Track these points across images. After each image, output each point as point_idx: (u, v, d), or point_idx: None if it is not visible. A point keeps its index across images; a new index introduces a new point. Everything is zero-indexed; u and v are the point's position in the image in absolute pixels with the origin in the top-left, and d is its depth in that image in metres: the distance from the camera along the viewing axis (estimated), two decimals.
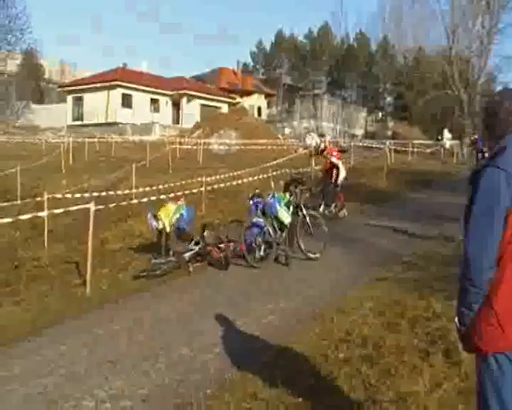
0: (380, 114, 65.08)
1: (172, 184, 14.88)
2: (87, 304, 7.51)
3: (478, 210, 2.74)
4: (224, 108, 51.45)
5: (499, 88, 47.67)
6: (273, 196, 9.97)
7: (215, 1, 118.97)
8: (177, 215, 9.42)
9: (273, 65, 69.64)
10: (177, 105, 49.01)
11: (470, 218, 2.77)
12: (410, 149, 32.02)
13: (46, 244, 10.99)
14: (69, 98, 48.50)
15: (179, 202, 9.86)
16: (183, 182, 14.99)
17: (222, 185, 15.29)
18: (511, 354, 2.75)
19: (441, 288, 6.88)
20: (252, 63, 72.10)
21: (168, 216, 9.30)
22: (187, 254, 9.05)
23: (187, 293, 7.99)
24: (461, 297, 2.83)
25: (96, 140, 32.89)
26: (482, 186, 2.74)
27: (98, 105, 44.78)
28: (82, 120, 46.07)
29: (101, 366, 5.47)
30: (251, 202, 10.17)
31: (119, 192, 14.19)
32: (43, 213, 10.24)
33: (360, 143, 36.95)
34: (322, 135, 18.53)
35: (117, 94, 45.13)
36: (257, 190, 10.85)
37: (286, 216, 9.67)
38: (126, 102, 45.78)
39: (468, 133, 36.00)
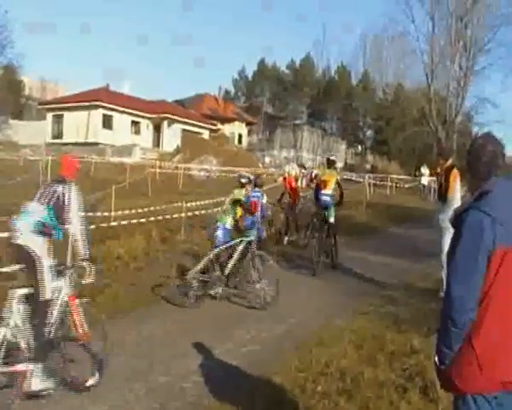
0: (359, 147, 65.98)
1: (152, 208, 14.87)
2: None
3: (461, 252, 2.79)
4: (205, 134, 51.65)
5: (476, 128, 48.96)
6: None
7: (199, 24, 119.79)
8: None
9: (255, 93, 70.32)
10: (157, 128, 49.06)
11: (453, 259, 2.82)
12: (389, 183, 32.47)
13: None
14: (49, 116, 48.22)
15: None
16: (164, 206, 14.97)
17: (203, 212, 15.33)
18: (491, 397, 2.77)
19: (420, 323, 6.98)
20: (233, 90, 72.73)
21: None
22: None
23: (170, 317, 7.96)
24: (441, 336, 2.86)
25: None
26: (466, 228, 2.80)
27: (78, 124, 44.60)
28: (61, 138, 45.76)
29: (79, 391, 5.41)
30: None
31: (99, 214, 14.12)
32: None
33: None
34: (302, 165, 18.71)
35: (98, 114, 45.02)
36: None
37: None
38: (107, 122, 45.68)
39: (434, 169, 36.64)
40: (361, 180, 29.44)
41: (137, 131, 48.09)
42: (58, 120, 47.35)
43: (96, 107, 44.70)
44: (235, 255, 9.08)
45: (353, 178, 31.49)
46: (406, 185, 34.23)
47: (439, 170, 9.39)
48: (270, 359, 6.28)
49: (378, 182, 31.80)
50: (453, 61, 41.34)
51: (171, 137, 47.48)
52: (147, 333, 7.31)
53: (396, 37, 50.04)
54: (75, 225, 5.48)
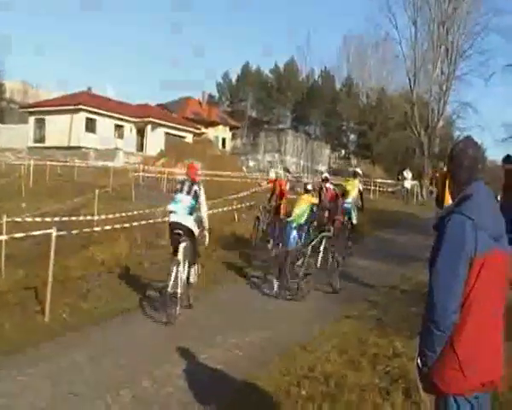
0: (343, 151, 66.31)
1: (136, 213, 14.81)
2: (47, 333, 7.35)
3: (444, 256, 2.83)
4: (189, 138, 51.53)
5: (457, 133, 49.46)
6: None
7: (182, 27, 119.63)
8: None
9: (239, 97, 70.40)
10: (141, 132, 48.84)
11: (436, 263, 2.86)
12: (373, 187, 32.66)
13: (3, 270, 10.71)
14: (31, 119, 47.76)
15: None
16: (147, 211, 14.92)
17: None
18: (471, 398, 2.84)
19: (402, 327, 7.06)
20: (217, 94, 72.73)
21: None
22: None
23: (155, 322, 7.94)
24: (424, 339, 2.90)
25: (57, 163, 32.44)
26: (448, 233, 2.84)
27: (61, 128, 44.24)
28: (43, 143, 45.38)
29: (64, 399, 5.38)
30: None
31: (82, 218, 14.05)
32: (2, 237, 10.01)
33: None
34: (286, 169, 18.80)
35: (81, 118, 44.70)
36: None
37: None
38: (90, 126, 45.37)
39: (428, 175, 37.00)
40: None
41: (121, 135, 47.81)
42: (40, 123, 46.93)
43: (79, 110, 44.38)
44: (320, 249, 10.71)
45: (337, 182, 31.45)
46: (390, 189, 34.44)
47: (437, 175, 9.61)
48: (255, 364, 6.30)
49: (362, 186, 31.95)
50: (435, 66, 41.73)
51: (155, 141, 47.31)
52: (130, 339, 7.28)
53: (379, 42, 50.37)
54: (204, 209, 8.80)
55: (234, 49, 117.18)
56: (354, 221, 13.85)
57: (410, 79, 42.33)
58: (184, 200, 8.46)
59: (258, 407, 5.15)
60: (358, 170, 14.73)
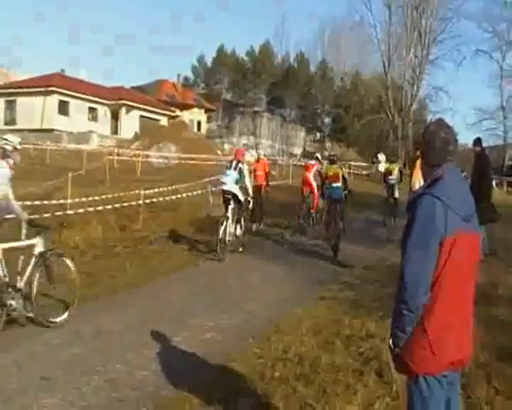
0: (318, 134, 66.49)
1: (110, 196, 14.64)
2: (21, 317, 7.19)
3: (414, 237, 2.84)
4: (164, 121, 51.08)
5: (430, 116, 49.96)
6: None
7: (157, 10, 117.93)
8: None
9: (214, 80, 69.90)
10: (115, 115, 48.25)
11: (407, 244, 2.87)
12: (347, 170, 32.77)
13: None
14: (0, 101, 46.69)
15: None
16: (121, 194, 14.76)
17: (161, 199, 15.20)
18: (441, 377, 2.87)
19: (375, 308, 7.09)
20: (192, 77, 72.10)
21: None
22: None
23: (130, 306, 7.86)
24: (395, 320, 2.92)
25: (30, 146, 31.83)
26: (419, 214, 2.85)
27: (33, 110, 43.40)
28: (14, 125, 44.42)
29: (36, 384, 5.28)
30: None
31: (54, 202, 13.84)
32: None
33: (298, 162, 37.62)
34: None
35: (53, 100, 43.92)
36: None
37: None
38: (63, 108, 44.61)
39: (401, 157, 37.33)
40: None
41: (95, 118, 47.18)
42: (10, 105, 45.90)
43: (52, 92, 43.58)
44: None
45: None
46: (364, 172, 34.64)
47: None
48: (229, 347, 6.27)
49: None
50: (409, 50, 42.05)
51: (130, 123, 46.82)
52: (105, 323, 7.19)
53: (354, 26, 50.41)
54: (247, 181, 11.91)
55: (209, 32, 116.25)
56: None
57: (384, 63, 42.71)
58: (232, 174, 11.46)
59: (232, 389, 5.13)
60: (335, 155, 14.32)
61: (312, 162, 16.42)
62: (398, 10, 42.32)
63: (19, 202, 7.74)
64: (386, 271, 9.58)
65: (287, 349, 5.93)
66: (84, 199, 13.77)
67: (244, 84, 67.46)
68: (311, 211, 15.44)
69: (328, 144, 60.51)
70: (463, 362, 3.00)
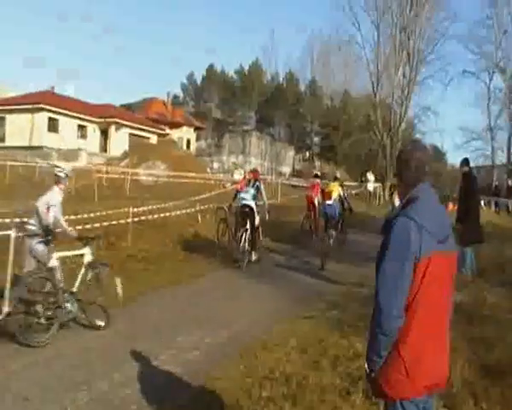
0: (307, 153, 66.76)
1: (98, 213, 14.59)
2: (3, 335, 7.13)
3: (389, 258, 2.83)
4: (153, 139, 51.12)
5: (418, 136, 50.37)
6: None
7: (148, 25, 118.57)
8: None
9: (203, 98, 70.20)
10: (105, 133, 48.22)
11: (381, 265, 2.86)
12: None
13: None
14: None
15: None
16: (110, 212, 14.71)
17: (149, 217, 15.19)
18: (417, 400, 2.85)
19: (362, 327, 7.11)
20: (182, 95, 72.37)
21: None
22: None
23: (114, 322, 7.83)
24: (370, 343, 2.90)
25: (18, 163, 31.71)
26: (393, 235, 2.85)
27: (22, 127, 43.28)
28: (3, 142, 44.29)
29: (15, 404, 5.24)
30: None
31: None
32: None
33: (287, 181, 37.79)
34: (255, 170, 19.12)
35: (43, 117, 43.83)
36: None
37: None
38: (52, 126, 44.50)
39: (389, 177, 37.54)
40: (308, 185, 29.72)
41: (84, 136, 47.10)
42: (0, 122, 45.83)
43: (41, 109, 43.48)
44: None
45: (301, 184, 31.73)
46: (353, 191, 34.76)
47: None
48: (214, 365, 6.26)
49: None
50: (397, 71, 42.41)
51: (119, 141, 46.79)
52: (87, 340, 7.17)
53: (343, 45, 50.88)
54: (264, 197, 13.50)
55: (199, 51, 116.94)
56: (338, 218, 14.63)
57: (373, 83, 43.00)
58: (250, 191, 13.11)
59: (218, 408, 5.12)
60: (338, 174, 15.92)
61: (317, 181, 18.21)
62: (386, 30, 42.79)
63: (7, 219, 7.79)
64: (370, 289, 9.60)
65: (274, 368, 5.93)
66: (72, 217, 13.68)
67: (233, 102, 67.78)
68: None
69: (317, 163, 60.71)
70: (440, 385, 2.97)
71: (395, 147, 39.93)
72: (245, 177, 16.11)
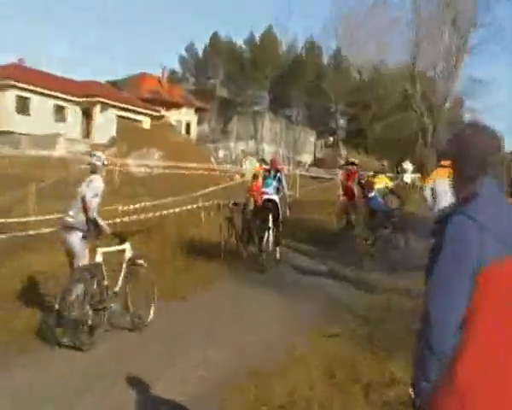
0: (331, 138, 66.58)
1: None
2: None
3: (442, 266, 2.76)
4: (146, 123, 51.30)
5: (467, 115, 49.93)
6: None
7: None
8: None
9: (206, 74, 70.26)
10: (87, 115, 48.40)
11: (433, 275, 2.79)
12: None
13: None
14: None
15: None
16: None
17: (142, 217, 15.24)
18: None
19: (400, 348, 7.09)
20: (180, 70, 72.48)
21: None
22: None
23: (106, 341, 7.89)
24: (417, 366, 2.84)
25: None
26: (449, 238, 2.76)
27: None
28: None
29: None
30: None
31: (13, 220, 13.87)
32: None
33: (307, 173, 37.75)
34: (263, 160, 19.47)
35: (10, 96, 43.92)
36: None
37: None
38: (22, 106, 44.49)
39: (432, 166, 37.31)
40: (333, 177, 29.76)
41: (62, 119, 47.30)
42: None
43: (8, 87, 43.48)
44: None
45: (323, 175, 31.71)
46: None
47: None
48: (223, 388, 6.28)
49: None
50: (442, 36, 41.95)
51: (105, 125, 46.91)
52: (82, 358, 7.26)
53: (376, 7, 50.48)
54: (285, 190, 14.44)
55: (200, 16, 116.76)
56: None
57: (411, 51, 42.66)
58: (272, 183, 13.76)
59: None
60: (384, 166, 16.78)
61: (354, 168, 19.04)
62: None
63: None
64: (411, 303, 9.58)
65: (293, 394, 5.94)
66: (49, 217, 13.77)
67: (242, 78, 67.73)
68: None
69: (343, 151, 60.56)
70: None
71: (438, 129, 39.68)
72: (257, 173, 15.92)
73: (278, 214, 13.78)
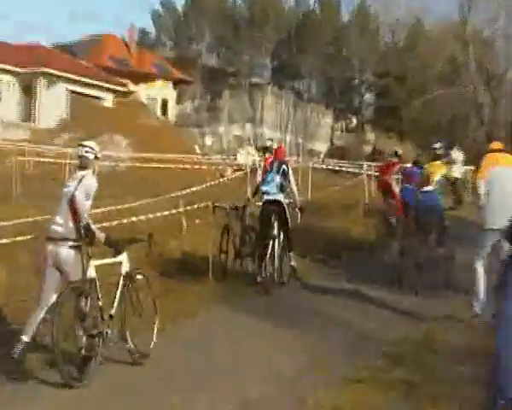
0: (354, 119, 66.68)
1: (18, 220, 14.68)
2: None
3: None
4: (108, 100, 51.33)
5: None
6: None
7: None
8: None
9: (188, 36, 70.36)
10: (29, 91, 48.34)
11: (504, 300, 2.87)
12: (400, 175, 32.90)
13: None
14: None
15: None
16: (39, 218, 14.76)
17: (105, 224, 15.25)
18: None
19: (446, 395, 7.08)
20: (154, 31, 72.61)
21: None
22: None
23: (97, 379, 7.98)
24: None
25: None
26: None
27: None
28: None
29: None
30: None
31: None
32: None
33: (322, 166, 37.75)
34: (264, 148, 19.42)
35: None
36: None
37: None
38: None
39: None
40: (357, 172, 29.81)
41: None
42: None
43: None
44: None
45: (344, 169, 31.75)
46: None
47: None
48: None
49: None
50: None
51: (53, 104, 46.86)
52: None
53: None
54: (293, 184, 14.09)
55: None
56: (446, 222, 14.46)
57: (461, 6, 42.70)
58: (275, 178, 13.53)
59: None
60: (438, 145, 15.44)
61: (395, 160, 18.11)
62: None
63: None
64: (459, 335, 9.59)
65: None
66: None
67: (236, 42, 67.85)
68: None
69: (369, 136, 60.60)
70: None
71: (498, 107, 39.68)
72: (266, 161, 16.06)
73: (286, 218, 13.55)
